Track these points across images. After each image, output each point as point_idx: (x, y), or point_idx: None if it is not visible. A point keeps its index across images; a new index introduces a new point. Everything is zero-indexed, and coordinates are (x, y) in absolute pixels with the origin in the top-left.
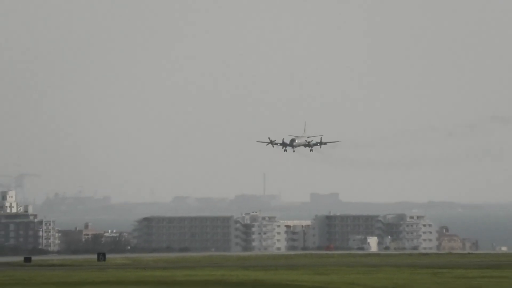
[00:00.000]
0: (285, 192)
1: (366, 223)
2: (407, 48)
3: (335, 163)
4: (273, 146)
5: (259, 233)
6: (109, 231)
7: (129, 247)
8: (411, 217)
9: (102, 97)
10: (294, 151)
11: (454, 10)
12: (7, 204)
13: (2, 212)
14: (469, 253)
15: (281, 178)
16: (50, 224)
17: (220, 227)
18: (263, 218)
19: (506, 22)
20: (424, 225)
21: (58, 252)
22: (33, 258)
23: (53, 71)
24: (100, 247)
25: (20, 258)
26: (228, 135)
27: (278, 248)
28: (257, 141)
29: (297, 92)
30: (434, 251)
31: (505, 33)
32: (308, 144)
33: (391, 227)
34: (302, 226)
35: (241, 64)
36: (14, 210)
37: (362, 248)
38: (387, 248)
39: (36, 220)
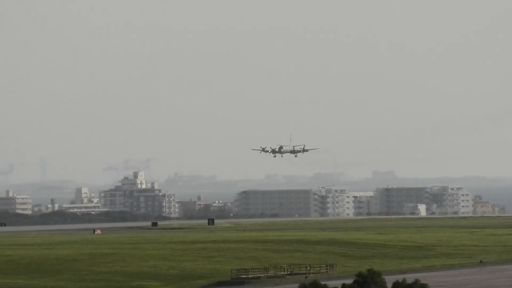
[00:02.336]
0: (352, 170)
1: (416, 194)
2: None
3: (395, 147)
4: (264, 153)
5: (333, 202)
6: (216, 201)
7: (231, 214)
8: (452, 189)
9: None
10: (282, 156)
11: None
12: (138, 181)
13: (134, 187)
14: (497, 216)
15: (349, 159)
16: (171, 197)
17: (302, 198)
18: (336, 191)
19: None
20: (462, 195)
21: (177, 218)
22: (159, 223)
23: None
24: (209, 214)
25: (148, 223)
26: (308, 127)
27: (348, 214)
28: (252, 149)
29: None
30: (470, 215)
31: None
32: (293, 151)
33: (436, 197)
34: (366, 196)
35: None
36: (143, 186)
37: (413, 213)
38: (433, 213)
39: (160, 193)
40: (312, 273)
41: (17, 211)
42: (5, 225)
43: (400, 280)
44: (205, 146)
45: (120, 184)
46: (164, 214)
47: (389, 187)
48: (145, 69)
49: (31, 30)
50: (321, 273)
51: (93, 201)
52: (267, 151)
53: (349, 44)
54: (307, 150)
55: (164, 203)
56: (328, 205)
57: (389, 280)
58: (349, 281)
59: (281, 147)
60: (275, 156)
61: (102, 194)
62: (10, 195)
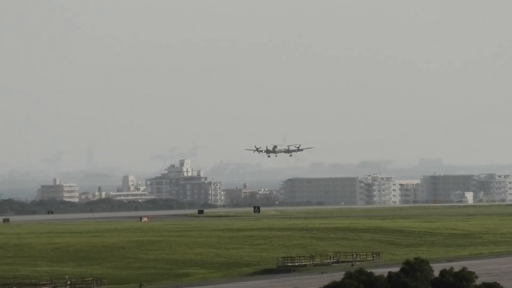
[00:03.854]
0: (399, 158)
1: (463, 181)
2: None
3: (442, 134)
4: (258, 153)
5: (379, 190)
6: (262, 189)
7: (277, 202)
8: (499, 176)
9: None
10: (276, 156)
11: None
12: (185, 169)
13: (180, 175)
14: None
15: (395, 147)
16: (217, 184)
17: (348, 185)
18: (382, 178)
19: None
20: (510, 182)
21: (223, 206)
22: (205, 210)
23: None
24: (255, 202)
25: (194, 211)
26: (348, 114)
27: (394, 202)
28: (245, 149)
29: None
30: None
31: None
32: (287, 150)
33: (484, 184)
34: (413, 184)
35: None
36: (190, 174)
37: (460, 201)
38: (480, 200)
39: (206, 181)
40: (358, 261)
41: (65, 199)
42: (52, 213)
43: (448, 268)
44: (251, 134)
45: (166, 172)
46: (210, 202)
47: (436, 174)
48: (192, 58)
49: (72, 23)
50: (367, 261)
51: (139, 189)
52: (261, 151)
53: (388, 32)
54: (302, 150)
55: (210, 191)
56: (374, 193)
57: (436, 268)
58: (395, 269)
59: (275, 147)
60: (269, 156)
61: (149, 182)
62: (58, 183)
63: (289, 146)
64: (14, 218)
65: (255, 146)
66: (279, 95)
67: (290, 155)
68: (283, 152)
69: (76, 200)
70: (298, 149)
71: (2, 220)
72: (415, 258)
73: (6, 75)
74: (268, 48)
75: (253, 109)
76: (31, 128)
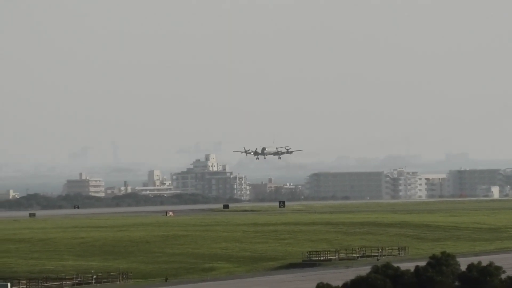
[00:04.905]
0: (425, 152)
1: (489, 176)
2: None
3: (468, 129)
4: (246, 155)
5: (405, 185)
6: (287, 184)
7: (302, 196)
8: None
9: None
10: (265, 158)
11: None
12: (210, 164)
13: (206, 170)
14: None
15: (421, 141)
16: (242, 179)
17: (373, 180)
18: (408, 173)
19: None
20: None
21: (248, 201)
22: (230, 205)
23: None
24: (280, 197)
25: (220, 205)
26: (380, 110)
27: (420, 196)
28: (233, 151)
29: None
30: None
31: None
32: (276, 153)
33: (510, 178)
34: (439, 179)
35: None
36: (215, 168)
37: (486, 196)
38: (506, 195)
39: (231, 176)
40: (384, 256)
41: (90, 193)
42: (78, 207)
43: (474, 263)
44: (276, 128)
45: (192, 166)
46: (235, 197)
47: (462, 169)
48: (216, 54)
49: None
50: (393, 255)
51: (165, 184)
52: (250, 153)
53: (411, 27)
54: (291, 152)
55: (235, 185)
56: (400, 187)
57: (463, 262)
58: (422, 264)
59: (264, 149)
60: (257, 158)
61: (174, 177)
62: (83, 177)
63: (278, 148)
64: (40, 213)
65: (244, 148)
66: (304, 90)
67: (279, 158)
68: (272, 154)
69: (102, 194)
70: (288, 151)
71: (28, 215)
72: (442, 253)
73: (33, 71)
74: (291, 40)
75: (277, 104)
76: (57, 123)
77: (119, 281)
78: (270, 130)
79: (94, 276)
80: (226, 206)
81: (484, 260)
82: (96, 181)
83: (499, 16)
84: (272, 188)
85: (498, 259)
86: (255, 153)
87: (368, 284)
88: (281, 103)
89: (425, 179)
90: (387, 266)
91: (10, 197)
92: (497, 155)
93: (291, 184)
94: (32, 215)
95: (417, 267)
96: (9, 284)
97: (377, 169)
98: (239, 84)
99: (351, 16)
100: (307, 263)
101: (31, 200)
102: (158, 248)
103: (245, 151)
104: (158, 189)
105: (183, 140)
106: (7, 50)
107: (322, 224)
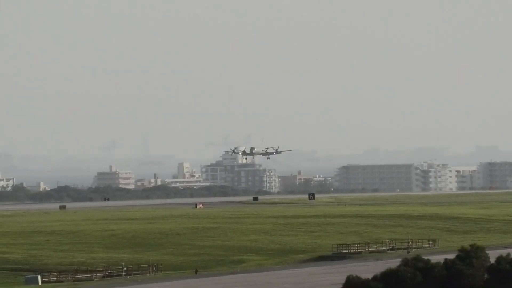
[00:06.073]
0: (455, 145)
1: None
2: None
3: (499, 121)
4: (235, 154)
5: (435, 177)
6: (317, 176)
7: (332, 189)
8: None
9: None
10: (253, 158)
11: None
12: (239, 156)
13: (235, 162)
14: None
15: (451, 134)
16: (271, 171)
17: (403, 172)
18: (438, 165)
19: None
20: None
21: (278, 193)
22: (259, 197)
23: None
24: (310, 189)
25: (249, 198)
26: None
27: (450, 189)
28: (221, 151)
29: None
30: None
31: None
32: (265, 153)
33: None
34: (469, 171)
35: None
36: (244, 161)
37: None
38: None
39: (261, 168)
40: (414, 248)
41: (121, 185)
42: (108, 199)
43: (504, 255)
44: (305, 121)
45: (221, 159)
46: (264, 189)
47: (493, 161)
48: (250, 44)
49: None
50: (423, 248)
51: (194, 176)
52: (237, 153)
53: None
54: (280, 152)
55: (264, 177)
56: (430, 179)
57: (493, 254)
58: (451, 256)
59: (252, 149)
60: (246, 159)
61: (204, 169)
62: (114, 170)
63: (267, 148)
64: (70, 205)
65: (230, 148)
66: (332, 83)
67: (268, 158)
68: (260, 154)
69: (132, 187)
70: (277, 152)
71: (58, 207)
72: (471, 245)
73: (64, 66)
74: (320, 30)
75: (305, 97)
76: (87, 116)
77: (149, 273)
78: (297, 123)
79: (124, 268)
80: (255, 199)
81: None
82: (126, 173)
83: None
84: (302, 181)
85: None
86: (244, 153)
87: (398, 277)
88: (310, 95)
89: (456, 171)
90: (417, 258)
91: (41, 189)
92: None
93: (321, 176)
94: (62, 208)
95: (446, 260)
96: (39, 276)
97: (407, 161)
98: (267, 76)
99: (374, 9)
100: (337, 256)
101: (61, 193)
102: (188, 240)
103: (233, 151)
104: (187, 182)
105: (212, 133)
106: (35, 42)
107: (352, 217)
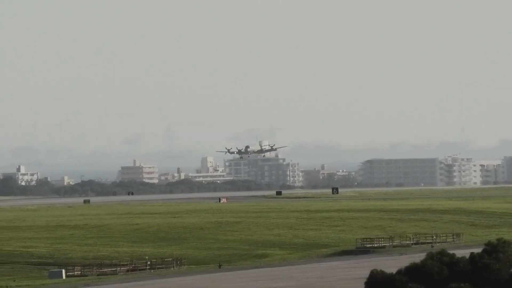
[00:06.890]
0: (479, 139)
1: None
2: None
3: None
4: (230, 154)
5: (459, 171)
6: (340, 170)
7: (356, 183)
8: None
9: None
10: (249, 156)
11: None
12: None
13: (259, 157)
14: None
15: (475, 128)
16: (295, 166)
17: (428, 167)
18: (462, 159)
19: None
20: None
21: (301, 187)
22: (283, 191)
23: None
24: (333, 183)
25: (273, 192)
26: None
27: (475, 183)
28: (216, 151)
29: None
30: None
31: None
32: (260, 151)
33: None
34: (494, 165)
35: None
36: (268, 155)
37: None
38: None
39: (284, 162)
40: (438, 242)
41: (144, 180)
42: (132, 194)
43: None
44: (329, 115)
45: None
46: (288, 183)
47: None
48: (273, 38)
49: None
50: (448, 242)
51: (218, 170)
52: (233, 152)
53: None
54: (275, 149)
55: (288, 172)
56: (455, 173)
57: None
58: (477, 250)
59: (247, 147)
60: (241, 157)
61: (227, 163)
62: (137, 164)
63: (262, 146)
64: (94, 199)
65: (225, 148)
66: (357, 77)
67: (264, 156)
68: (256, 152)
69: (155, 181)
70: (272, 149)
71: (83, 201)
72: (498, 239)
73: (87, 59)
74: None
75: (328, 92)
76: (111, 110)
77: (173, 267)
78: (324, 115)
79: (148, 262)
80: (279, 193)
81: None
82: (150, 167)
83: None
84: (325, 175)
85: None
86: (239, 152)
87: (423, 271)
88: (333, 90)
89: (480, 165)
90: (442, 253)
91: (65, 183)
92: None
93: (344, 170)
94: (86, 202)
95: (472, 254)
96: (63, 271)
97: (431, 155)
98: (291, 71)
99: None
100: (361, 250)
101: (85, 187)
102: (211, 234)
103: (228, 151)
104: (211, 176)
105: (236, 127)
106: (53, 39)
107: (376, 211)
